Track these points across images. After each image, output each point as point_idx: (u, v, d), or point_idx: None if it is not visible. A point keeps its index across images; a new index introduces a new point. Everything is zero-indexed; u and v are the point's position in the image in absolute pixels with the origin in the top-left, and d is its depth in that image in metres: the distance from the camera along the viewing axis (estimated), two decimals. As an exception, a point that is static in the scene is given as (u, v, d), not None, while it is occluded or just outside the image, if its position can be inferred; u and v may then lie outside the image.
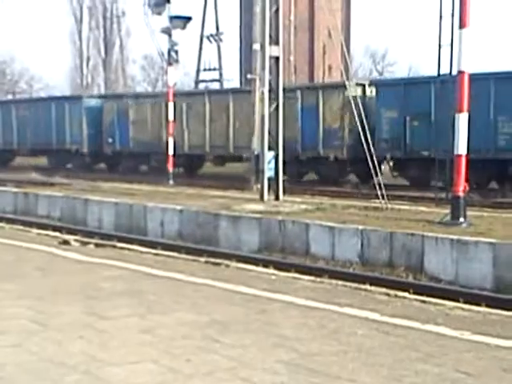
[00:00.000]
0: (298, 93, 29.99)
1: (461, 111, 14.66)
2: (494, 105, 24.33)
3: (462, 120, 14.63)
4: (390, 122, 27.18)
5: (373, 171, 18.30)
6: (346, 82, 25.81)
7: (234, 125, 32.25)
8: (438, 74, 18.12)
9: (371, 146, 18.89)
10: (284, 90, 22.30)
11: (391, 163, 28.37)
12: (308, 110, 29.77)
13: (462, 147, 14.66)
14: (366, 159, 19.39)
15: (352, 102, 22.03)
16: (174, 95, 31.55)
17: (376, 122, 27.09)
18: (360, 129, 19.06)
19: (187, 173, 34.59)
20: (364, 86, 29.36)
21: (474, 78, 15.36)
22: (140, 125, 36.36)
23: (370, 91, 28.77)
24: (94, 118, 38.18)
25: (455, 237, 12.80)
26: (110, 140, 37.53)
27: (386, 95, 27.48)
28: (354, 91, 26.76)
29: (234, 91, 34.14)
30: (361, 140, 19.55)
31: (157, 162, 34.50)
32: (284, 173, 22.59)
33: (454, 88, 15.06)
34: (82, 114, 38.59)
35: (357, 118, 20.25)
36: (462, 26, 14.56)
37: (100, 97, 42.12)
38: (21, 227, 16.80)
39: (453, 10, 16.34)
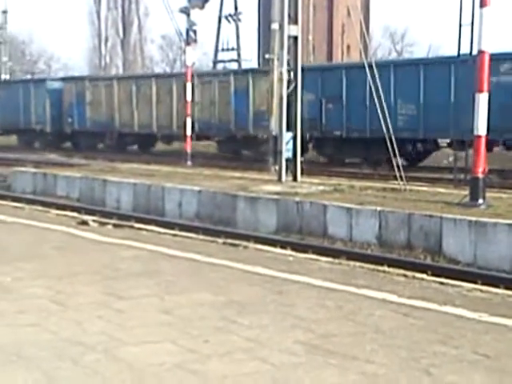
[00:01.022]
0: (231, 77, 32.43)
1: (481, 91, 14.54)
2: (394, 89, 27.02)
3: (483, 100, 14.52)
4: (309, 104, 28.36)
5: (391, 152, 18.23)
6: (273, 67, 26.93)
7: (178, 106, 34.72)
8: (458, 54, 17.95)
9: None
10: (216, 74, 24.62)
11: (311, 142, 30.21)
12: (240, 93, 32.13)
13: (481, 128, 14.56)
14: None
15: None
16: (125, 78, 38.03)
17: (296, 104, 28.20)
18: (379, 111, 18.91)
19: (141, 150, 38.55)
20: (290, 71, 29.76)
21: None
22: (95, 106, 39.10)
23: None
24: (56, 100, 40.81)
25: (474, 218, 12.74)
26: (70, 120, 40.23)
27: (306, 80, 27.22)
28: (281, 75, 27.25)
29: (177, 75, 37.24)
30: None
31: (110, 140, 38.44)
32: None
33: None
34: (45, 95, 41.36)
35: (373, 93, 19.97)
36: (482, 4, 14.41)
37: (63, 79, 43.95)
38: (40, 208, 16.90)
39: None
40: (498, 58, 23.48)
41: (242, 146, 33.13)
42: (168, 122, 35.75)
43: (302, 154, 20.16)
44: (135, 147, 39.37)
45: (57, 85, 41.83)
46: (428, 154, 28.87)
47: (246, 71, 34.14)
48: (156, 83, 36.61)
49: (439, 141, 28.76)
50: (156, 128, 36.57)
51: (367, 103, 26.92)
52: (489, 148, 23.90)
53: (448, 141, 27.14)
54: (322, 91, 29.50)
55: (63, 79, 43.79)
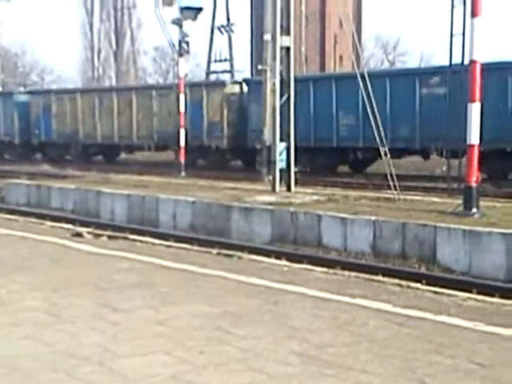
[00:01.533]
0: (187, 89, 32.98)
1: (473, 101, 14.59)
2: (336, 101, 29.23)
3: (475, 110, 14.56)
4: (257, 115, 29.52)
5: (385, 161, 18.27)
6: (226, 81, 32.73)
7: (137, 118, 36.98)
8: (450, 64, 18.03)
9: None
10: (173, 87, 30.25)
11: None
12: (195, 104, 33.77)
13: (474, 137, 14.60)
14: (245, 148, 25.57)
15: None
16: (88, 91, 40.78)
17: (248, 115, 31.82)
18: (373, 123, 18.97)
19: (106, 159, 40.41)
20: (241, 83, 33.89)
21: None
22: (61, 118, 40.65)
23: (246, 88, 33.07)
24: (24, 112, 42.21)
25: (468, 227, 12.76)
26: (37, 132, 41.79)
27: (254, 91, 30.99)
28: (231, 88, 33.15)
29: (137, 88, 40.05)
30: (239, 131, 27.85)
31: (75, 152, 40.24)
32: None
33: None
34: (13, 108, 42.75)
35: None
36: (474, 14, 14.48)
37: (29, 92, 45.48)
38: (34, 220, 16.88)
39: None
40: (427, 72, 27.78)
41: (197, 156, 34.34)
42: (129, 132, 37.49)
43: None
44: (100, 157, 41.36)
45: (24, 98, 43.33)
46: (370, 162, 29.97)
47: (200, 84, 36.33)
48: (117, 96, 38.37)
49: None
50: (118, 139, 38.21)
51: (311, 114, 29.62)
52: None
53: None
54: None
55: (30, 92, 45.41)
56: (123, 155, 41.52)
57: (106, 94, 39.82)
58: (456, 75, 18.02)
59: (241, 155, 34.06)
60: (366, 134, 26.65)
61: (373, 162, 29.19)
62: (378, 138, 18.64)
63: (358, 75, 20.00)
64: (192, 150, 33.11)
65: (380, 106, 23.87)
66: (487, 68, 19.83)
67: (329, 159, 30.05)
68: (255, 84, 31.40)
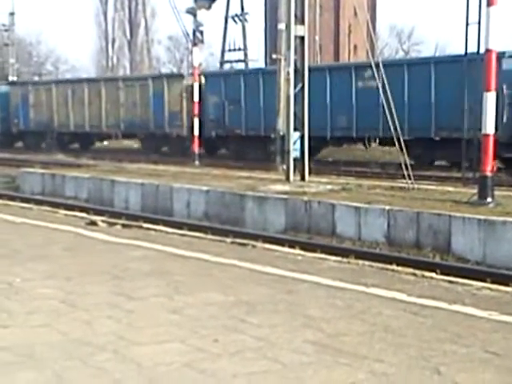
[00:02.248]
0: (150, 81, 37.41)
1: (488, 90, 14.52)
2: (263, 93, 31.62)
3: (490, 99, 14.50)
4: (214, 105, 34.01)
5: (399, 152, 18.21)
6: (184, 73, 36.05)
7: (106, 108, 39.67)
8: (465, 53, 17.94)
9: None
10: (138, 79, 35.91)
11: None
12: (157, 95, 36.76)
13: (489, 127, 14.54)
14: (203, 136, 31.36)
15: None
16: (62, 83, 44.01)
17: (205, 105, 34.05)
18: (387, 111, 18.91)
19: (82, 148, 42.64)
20: (200, 75, 35.24)
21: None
22: (38, 108, 43.60)
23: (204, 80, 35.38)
24: (4, 103, 44.94)
25: (482, 217, 12.72)
26: (16, 121, 44.54)
27: (211, 84, 34.55)
28: (190, 80, 34.62)
29: (105, 80, 42.33)
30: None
31: (51, 139, 42.50)
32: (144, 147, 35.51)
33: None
34: None
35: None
36: (489, 3, 14.39)
37: (9, 83, 48.21)
38: (48, 208, 16.92)
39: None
40: (361, 66, 29.41)
41: (161, 143, 37.37)
42: (98, 121, 40.17)
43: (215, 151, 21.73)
44: (76, 146, 43.71)
45: (4, 89, 46.15)
46: (317, 150, 30.89)
47: (161, 76, 39.41)
48: (88, 87, 40.98)
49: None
50: (89, 127, 40.96)
51: (261, 105, 31.86)
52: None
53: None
54: (225, 95, 33.84)
55: (10, 83, 48.11)
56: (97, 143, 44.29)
57: (77, 85, 42.35)
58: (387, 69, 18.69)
59: (199, 143, 35.59)
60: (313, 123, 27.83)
61: (320, 150, 31.49)
62: (392, 128, 18.59)
63: (373, 65, 19.91)
64: (156, 137, 37.06)
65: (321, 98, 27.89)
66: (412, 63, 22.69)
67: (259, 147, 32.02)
68: (212, 77, 35.68)
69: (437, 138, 27.32)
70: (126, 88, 38.80)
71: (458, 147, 23.37)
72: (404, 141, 25.92)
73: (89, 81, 43.03)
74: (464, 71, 19.58)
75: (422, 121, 27.02)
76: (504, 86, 23.95)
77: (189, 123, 34.10)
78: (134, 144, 40.72)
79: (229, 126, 33.59)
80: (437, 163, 28.23)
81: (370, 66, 20.03)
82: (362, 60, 43.74)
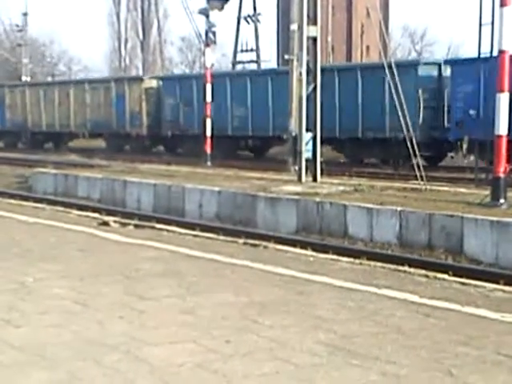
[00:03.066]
0: (112, 84, 40.21)
1: (502, 91, 14.47)
2: (230, 95, 34.35)
3: (503, 100, 14.45)
4: (171, 107, 36.84)
5: (411, 152, 18.17)
6: (144, 77, 40.06)
7: (74, 108, 42.15)
8: (479, 54, 17.88)
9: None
10: (102, 81, 40.18)
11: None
12: (119, 97, 39.33)
13: (502, 128, 14.49)
14: (160, 135, 36.79)
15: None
16: (34, 85, 46.62)
17: (163, 107, 37.31)
18: (400, 113, 18.91)
19: (56, 147, 44.31)
20: (158, 79, 39.95)
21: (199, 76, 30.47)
22: (13, 108, 46.27)
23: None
24: None
25: (495, 218, 12.68)
26: None
27: (168, 87, 37.61)
28: (149, 83, 38.73)
29: (73, 82, 46.25)
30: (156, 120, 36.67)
31: (26, 139, 45.50)
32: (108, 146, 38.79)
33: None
34: None
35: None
36: (503, 4, 14.34)
37: None
38: (61, 208, 16.97)
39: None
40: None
41: (123, 142, 39.84)
42: (67, 121, 42.58)
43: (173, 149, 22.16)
44: (50, 145, 45.86)
45: None
46: (264, 149, 35.99)
47: (123, 79, 42.30)
48: (58, 89, 43.77)
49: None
50: (59, 127, 43.32)
51: (212, 107, 32.20)
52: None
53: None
54: (180, 97, 36.49)
55: None
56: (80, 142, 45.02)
57: (48, 87, 45.50)
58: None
59: (158, 141, 39.39)
60: (253, 124, 33.28)
61: (267, 149, 35.46)
62: (404, 129, 18.56)
63: (386, 65, 19.89)
64: (119, 137, 39.60)
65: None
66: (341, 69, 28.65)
67: (227, 146, 33.95)
68: (169, 80, 39.27)
69: (364, 138, 29.32)
70: (92, 90, 41.39)
71: (384, 146, 27.56)
72: (337, 140, 30.09)
73: (59, 83, 46.76)
74: (384, 77, 22.13)
75: (352, 122, 29.12)
76: (420, 91, 26.79)
77: (148, 123, 38.02)
78: (102, 143, 42.65)
79: (183, 126, 36.22)
80: (449, 164, 28.15)
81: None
82: (375, 60, 43.63)
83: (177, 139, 37.08)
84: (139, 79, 40.22)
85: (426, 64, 28.71)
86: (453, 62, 28.67)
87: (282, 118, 28.51)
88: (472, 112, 24.65)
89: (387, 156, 28.15)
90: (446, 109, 27.19)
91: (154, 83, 38.74)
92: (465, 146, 25.12)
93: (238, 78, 35.33)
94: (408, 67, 27.75)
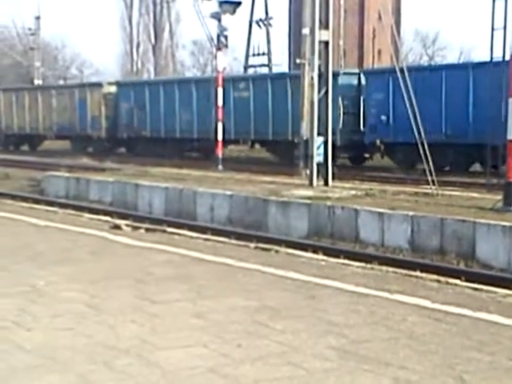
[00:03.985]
0: (76, 89, 43.97)
1: (513, 96, 14.43)
2: (179, 100, 37.66)
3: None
4: (126, 111, 40.30)
5: (423, 157, 18.12)
6: (103, 82, 43.34)
7: (43, 113, 45.35)
8: (491, 58, 17.84)
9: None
10: (66, 87, 45.81)
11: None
12: (81, 101, 42.74)
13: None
14: (117, 137, 40.63)
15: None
16: (7, 90, 49.55)
17: (118, 111, 40.69)
18: (411, 116, 18.91)
19: (31, 148, 48.22)
20: (116, 84, 42.95)
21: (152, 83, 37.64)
22: None
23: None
24: None
25: (507, 223, 12.63)
26: None
27: (123, 92, 40.98)
28: (108, 89, 41.80)
29: (41, 88, 49.09)
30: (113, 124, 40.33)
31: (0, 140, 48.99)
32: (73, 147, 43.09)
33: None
34: None
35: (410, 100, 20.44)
36: (516, 8, 14.31)
37: None
38: (73, 212, 17.01)
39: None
40: (235, 79, 36.21)
41: (86, 144, 42.71)
42: (36, 124, 45.82)
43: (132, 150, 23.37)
44: (26, 147, 48.92)
45: None
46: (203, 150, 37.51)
47: (84, 85, 45.85)
48: (28, 94, 47.01)
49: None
50: (29, 130, 46.60)
51: (161, 111, 38.10)
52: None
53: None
54: (134, 101, 39.78)
55: None
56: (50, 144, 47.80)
57: (19, 92, 48.29)
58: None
59: (116, 143, 42.33)
60: (199, 127, 36.15)
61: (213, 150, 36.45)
62: (416, 133, 18.52)
63: (398, 70, 19.85)
64: (82, 139, 42.87)
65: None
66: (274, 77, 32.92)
67: (175, 147, 37.82)
68: (124, 86, 42.37)
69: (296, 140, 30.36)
70: (58, 95, 44.85)
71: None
72: (269, 142, 33.85)
73: (28, 89, 49.40)
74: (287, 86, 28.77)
75: (283, 126, 31.88)
76: (340, 98, 28.89)
77: (106, 126, 41.38)
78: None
79: (137, 128, 39.73)
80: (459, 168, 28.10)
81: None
82: (387, 64, 43.59)
83: (132, 141, 40.74)
84: (99, 85, 43.34)
85: (345, 74, 31.67)
86: (367, 73, 32.30)
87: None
88: (383, 117, 28.39)
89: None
90: (362, 115, 30.05)
91: (112, 89, 41.99)
92: (382, 148, 28.97)
93: (184, 85, 38.52)
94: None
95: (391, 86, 27.18)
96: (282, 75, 35.83)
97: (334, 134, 22.31)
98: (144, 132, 39.07)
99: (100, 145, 41.80)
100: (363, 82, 30.78)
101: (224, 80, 30.16)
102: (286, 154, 32.02)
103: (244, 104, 34.02)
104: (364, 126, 30.03)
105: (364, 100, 30.10)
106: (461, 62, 54.17)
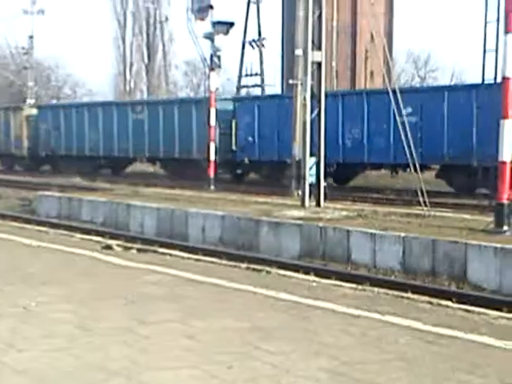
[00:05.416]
0: (1, 111, 48.09)
1: (506, 117, 14.49)
2: (88, 122, 42.31)
3: (508, 126, 14.46)
4: (44, 132, 44.65)
5: (417, 177, 18.15)
6: (23, 105, 48.70)
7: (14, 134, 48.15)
8: (483, 80, 17.95)
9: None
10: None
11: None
12: (5, 123, 47.19)
13: (506, 154, 14.49)
14: (38, 156, 45.51)
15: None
16: None
17: (38, 132, 44.82)
18: (403, 137, 18.98)
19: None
20: (36, 107, 47.52)
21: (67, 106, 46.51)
22: None
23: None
24: None
25: (499, 245, 12.64)
26: None
27: (42, 114, 45.72)
28: (29, 111, 46.82)
29: (15, 108, 49.98)
30: (34, 143, 45.28)
31: None
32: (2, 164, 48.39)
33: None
34: None
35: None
36: (507, 30, 14.39)
37: None
38: (64, 232, 16.99)
39: (498, 15, 16.19)
40: (133, 103, 43.21)
41: (12, 162, 47.36)
42: None
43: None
44: None
45: None
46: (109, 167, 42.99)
47: (8, 108, 48.99)
48: None
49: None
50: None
51: (73, 131, 42.53)
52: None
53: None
54: (51, 123, 44.08)
55: None
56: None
57: None
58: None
59: (38, 161, 45.79)
60: (105, 145, 40.78)
61: (124, 167, 43.32)
62: (408, 154, 18.56)
63: (390, 91, 19.94)
64: (6, 157, 47.62)
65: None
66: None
67: (86, 164, 41.62)
68: (43, 109, 46.97)
69: (180, 158, 36.92)
70: None
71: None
72: (160, 159, 38.26)
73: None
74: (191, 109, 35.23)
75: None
76: (217, 121, 30.55)
77: (28, 145, 45.54)
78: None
79: (53, 147, 43.93)
80: (452, 190, 28.19)
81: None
82: (379, 87, 43.81)
83: (50, 159, 44.87)
84: (20, 108, 47.80)
85: (222, 100, 35.22)
86: (236, 100, 37.11)
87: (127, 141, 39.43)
88: (250, 139, 32.90)
89: (195, 174, 33.48)
90: (233, 136, 34.29)
91: (34, 111, 46.36)
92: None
93: (93, 108, 42.95)
94: (207, 102, 33.54)
95: (256, 112, 33.14)
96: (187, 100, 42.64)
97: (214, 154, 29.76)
98: (59, 150, 43.60)
99: (23, 163, 46.43)
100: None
101: (124, 104, 37.53)
102: (177, 171, 37.04)
103: (141, 125, 39.21)
104: (236, 146, 34.53)
105: (236, 123, 34.56)
106: (452, 83, 54.40)
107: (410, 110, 26.72)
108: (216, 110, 29.62)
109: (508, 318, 7.92)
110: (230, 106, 35.21)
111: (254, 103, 34.07)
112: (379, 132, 29.37)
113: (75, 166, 41.14)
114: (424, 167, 27.46)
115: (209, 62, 29.52)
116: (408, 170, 29.24)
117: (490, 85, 22.25)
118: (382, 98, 28.02)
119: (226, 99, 37.06)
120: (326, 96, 19.72)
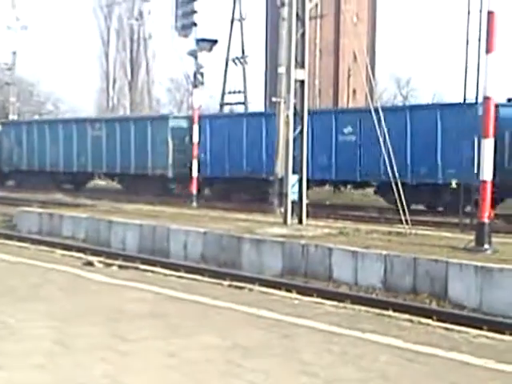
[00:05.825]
0: None
1: (486, 137, 14.60)
2: (49, 138, 43.05)
3: (488, 145, 14.57)
4: (7, 148, 45.84)
5: (397, 198, 18.23)
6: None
7: None
8: (464, 100, 18.08)
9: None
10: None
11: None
12: None
13: (487, 173, 14.59)
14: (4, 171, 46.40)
15: None
16: None
17: (1, 147, 46.14)
18: (386, 157, 19.09)
19: None
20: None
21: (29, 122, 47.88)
22: None
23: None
24: None
25: (479, 263, 12.71)
26: None
27: (5, 131, 46.51)
28: None
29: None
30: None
31: None
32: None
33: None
34: None
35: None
36: (488, 50, 14.53)
37: None
38: (45, 248, 16.91)
39: (480, 35, 16.34)
40: (92, 120, 43.36)
41: None
42: None
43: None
44: None
45: None
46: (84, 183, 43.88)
47: None
48: None
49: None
50: None
51: (35, 148, 43.34)
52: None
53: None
54: (14, 139, 45.22)
55: None
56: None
57: None
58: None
59: (1, 177, 46.62)
60: (65, 161, 41.51)
61: (85, 183, 43.78)
62: (390, 172, 18.64)
63: (372, 109, 20.05)
64: None
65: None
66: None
67: (47, 179, 41.77)
68: (6, 125, 48.28)
69: (135, 174, 37.76)
70: None
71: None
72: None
73: None
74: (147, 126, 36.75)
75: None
76: (169, 138, 34.46)
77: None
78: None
79: (16, 163, 44.96)
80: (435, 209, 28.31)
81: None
82: (361, 105, 44.08)
83: (14, 174, 45.79)
84: None
85: (175, 118, 37.91)
86: (189, 118, 35.55)
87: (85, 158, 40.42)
88: (203, 155, 33.29)
89: (150, 189, 35.73)
90: (187, 152, 33.94)
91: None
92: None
93: (53, 125, 44.01)
94: (162, 120, 37.63)
95: (208, 130, 34.21)
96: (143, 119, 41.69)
97: (166, 168, 35.26)
98: (21, 166, 44.52)
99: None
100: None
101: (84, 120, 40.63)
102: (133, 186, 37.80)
103: (99, 142, 40.05)
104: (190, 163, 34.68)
105: (190, 140, 34.28)
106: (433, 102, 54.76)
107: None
108: (171, 127, 32.06)
109: (488, 337, 7.95)
110: (184, 124, 36.17)
111: (205, 121, 34.37)
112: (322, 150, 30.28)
113: (37, 181, 41.85)
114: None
115: (192, 79, 29.60)
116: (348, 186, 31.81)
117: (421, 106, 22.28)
118: (325, 118, 30.36)
119: (179, 117, 38.86)
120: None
